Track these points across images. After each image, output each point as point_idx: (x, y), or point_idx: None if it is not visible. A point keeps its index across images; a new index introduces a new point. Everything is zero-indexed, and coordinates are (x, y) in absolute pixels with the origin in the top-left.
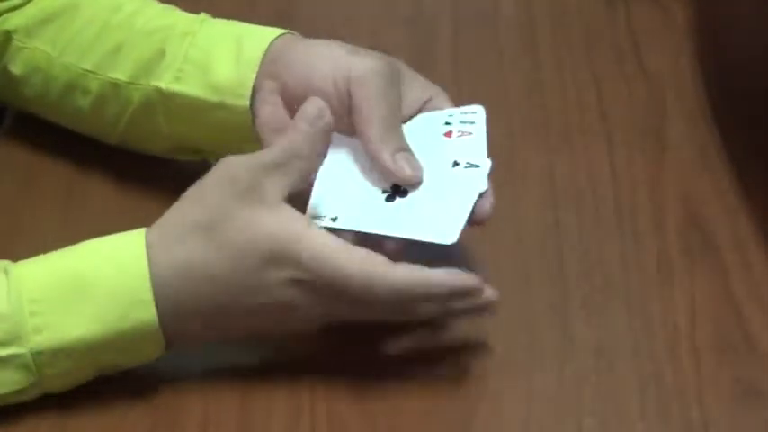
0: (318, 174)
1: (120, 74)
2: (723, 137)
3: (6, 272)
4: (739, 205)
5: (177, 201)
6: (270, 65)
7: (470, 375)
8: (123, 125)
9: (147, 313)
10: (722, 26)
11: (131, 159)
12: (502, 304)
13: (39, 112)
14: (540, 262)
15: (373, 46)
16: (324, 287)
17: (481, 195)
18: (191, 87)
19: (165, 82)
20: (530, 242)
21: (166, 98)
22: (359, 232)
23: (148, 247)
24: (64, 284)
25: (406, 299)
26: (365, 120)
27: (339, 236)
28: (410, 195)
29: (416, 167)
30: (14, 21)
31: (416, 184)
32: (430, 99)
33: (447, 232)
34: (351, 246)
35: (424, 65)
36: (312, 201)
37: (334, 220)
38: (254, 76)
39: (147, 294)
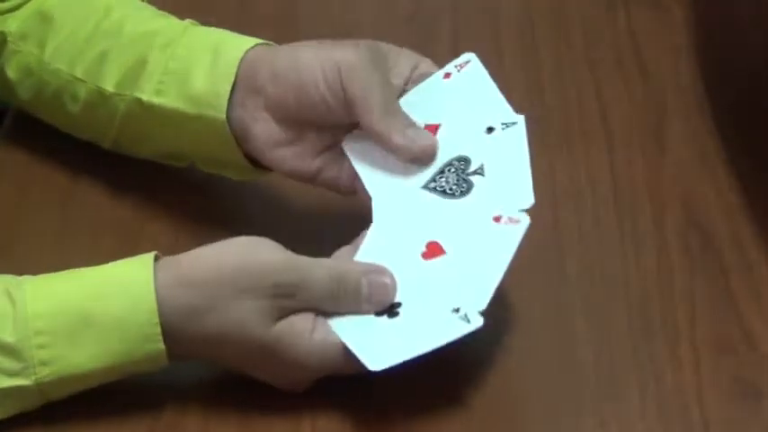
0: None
1: (105, 83)
2: (723, 137)
3: (12, 300)
4: (739, 205)
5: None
6: (250, 79)
7: (470, 375)
8: (114, 131)
9: (155, 345)
10: (722, 26)
11: (130, 162)
12: (502, 304)
13: (36, 114)
14: (540, 262)
15: None
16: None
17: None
18: (170, 100)
19: (147, 94)
20: (530, 242)
21: (148, 110)
22: None
23: (156, 279)
24: (71, 316)
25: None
26: (365, 109)
27: None
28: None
29: (428, 137)
30: (10, 23)
31: (432, 153)
32: (416, 66)
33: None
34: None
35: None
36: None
37: None
38: (228, 87)
39: (156, 329)
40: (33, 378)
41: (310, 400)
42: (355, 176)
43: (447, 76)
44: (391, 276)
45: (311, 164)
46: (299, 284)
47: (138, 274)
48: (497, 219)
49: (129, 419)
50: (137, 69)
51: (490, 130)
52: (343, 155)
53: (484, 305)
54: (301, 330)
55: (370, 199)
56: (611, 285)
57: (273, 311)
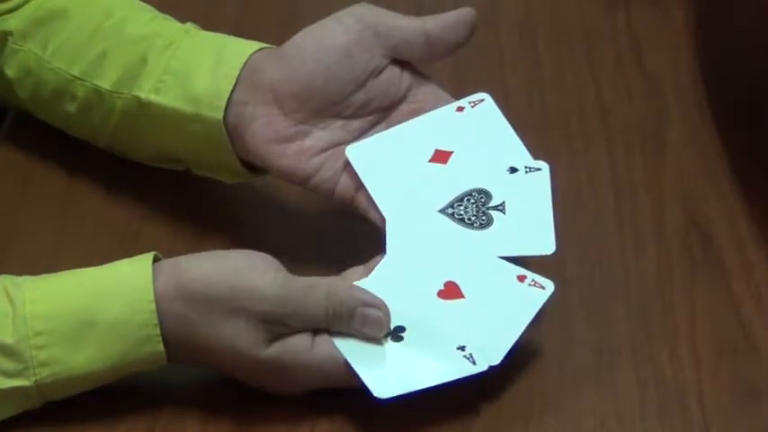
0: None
1: (103, 81)
2: (723, 137)
3: (11, 300)
4: (739, 205)
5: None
6: (254, 77)
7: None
8: (110, 131)
9: (154, 347)
10: (722, 26)
11: (129, 163)
12: None
13: (33, 113)
14: (540, 262)
15: None
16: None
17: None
18: (169, 98)
19: (145, 92)
20: None
21: (146, 108)
22: None
23: (155, 282)
24: (70, 317)
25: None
26: (407, 24)
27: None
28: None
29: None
30: (11, 23)
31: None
32: None
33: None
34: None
35: (425, 64)
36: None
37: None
38: (230, 87)
39: (156, 330)
40: (33, 379)
41: (310, 401)
42: (351, 186)
43: (460, 109)
44: (387, 312)
45: (308, 163)
46: (290, 315)
47: (137, 275)
48: (522, 278)
49: (128, 420)
50: (136, 68)
51: (513, 170)
52: (340, 160)
53: (498, 359)
54: (301, 350)
55: (371, 208)
56: (611, 285)
57: (266, 334)
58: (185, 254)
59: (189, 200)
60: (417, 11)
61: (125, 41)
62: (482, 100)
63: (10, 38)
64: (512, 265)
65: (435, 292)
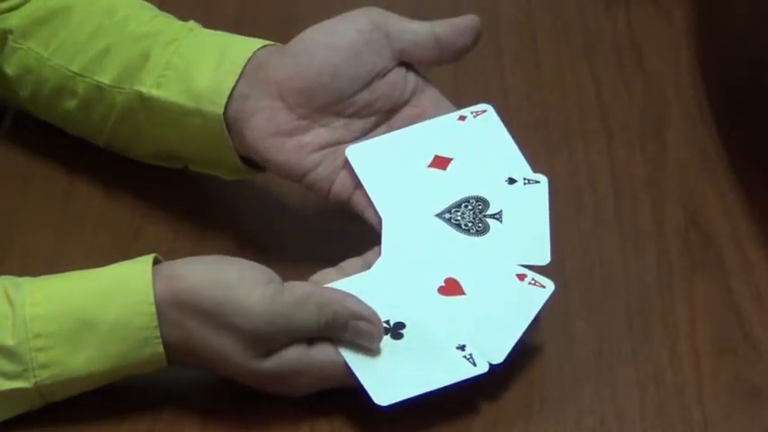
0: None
1: (104, 77)
2: (723, 137)
3: (11, 302)
4: (739, 205)
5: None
6: (258, 72)
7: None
8: (109, 128)
9: (154, 348)
10: (721, 27)
11: (129, 162)
12: None
13: (32, 111)
14: None
15: None
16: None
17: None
18: (170, 93)
19: (147, 87)
20: None
21: (147, 103)
22: None
23: (154, 285)
24: (70, 319)
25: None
26: (414, 27)
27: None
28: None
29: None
30: (11, 21)
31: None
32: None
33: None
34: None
35: (430, 68)
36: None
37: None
38: (232, 83)
39: (155, 332)
40: (33, 381)
41: (310, 402)
42: (348, 186)
43: (462, 118)
44: (379, 325)
45: (306, 159)
46: (279, 332)
47: (137, 277)
48: (522, 276)
49: (128, 421)
50: (138, 64)
51: (512, 181)
52: (339, 159)
53: (500, 359)
54: (297, 358)
55: (367, 208)
56: (611, 285)
57: (258, 350)
58: (186, 254)
59: (189, 199)
60: (417, 11)
61: (127, 39)
62: (484, 111)
63: (10, 36)
64: (511, 263)
65: (436, 289)
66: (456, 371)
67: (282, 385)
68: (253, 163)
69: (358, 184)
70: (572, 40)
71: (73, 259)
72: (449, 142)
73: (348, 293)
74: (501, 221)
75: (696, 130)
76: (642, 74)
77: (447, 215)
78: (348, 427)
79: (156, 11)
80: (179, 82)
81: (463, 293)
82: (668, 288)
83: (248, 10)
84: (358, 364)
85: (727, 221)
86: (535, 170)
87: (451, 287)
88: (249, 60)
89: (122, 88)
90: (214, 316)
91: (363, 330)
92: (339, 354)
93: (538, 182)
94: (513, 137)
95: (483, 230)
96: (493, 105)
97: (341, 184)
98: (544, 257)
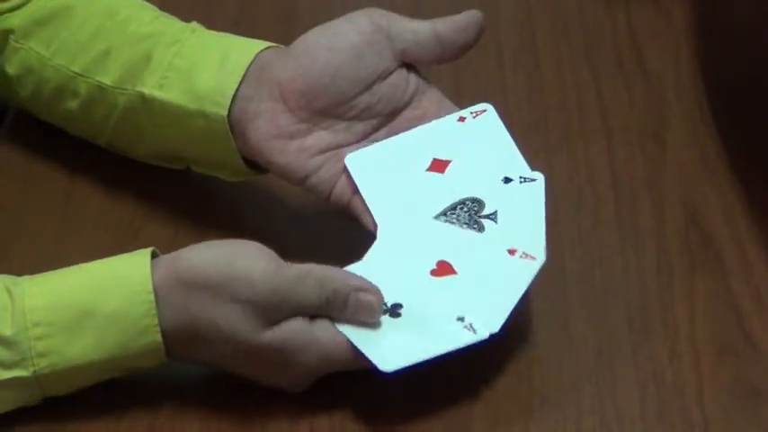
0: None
1: (106, 78)
2: (723, 137)
3: (11, 294)
4: (739, 205)
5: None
6: (262, 74)
7: (469, 375)
8: (110, 128)
9: (152, 337)
10: (721, 27)
11: (129, 161)
12: None
13: (32, 111)
14: None
15: None
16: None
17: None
18: (173, 94)
19: (149, 88)
20: None
21: (149, 104)
22: None
23: (153, 274)
24: (68, 308)
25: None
26: (418, 27)
27: None
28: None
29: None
30: (13, 21)
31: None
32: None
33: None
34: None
35: (431, 67)
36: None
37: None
38: (235, 84)
39: (153, 320)
40: (32, 370)
41: (310, 398)
42: (349, 190)
43: (462, 119)
44: (379, 297)
45: (308, 162)
46: (283, 303)
47: (135, 268)
48: (512, 251)
49: (128, 417)
50: (140, 65)
51: (507, 180)
52: (340, 163)
53: (497, 327)
54: (299, 331)
55: (365, 213)
56: (611, 285)
57: (262, 320)
58: None
59: (190, 199)
60: (416, 11)
61: (129, 39)
62: (484, 110)
63: (11, 36)
64: (501, 240)
65: (428, 271)
66: (458, 338)
67: (283, 367)
68: (255, 165)
69: (357, 189)
70: (572, 39)
71: (73, 259)
72: (447, 145)
73: (348, 272)
74: (496, 222)
75: (696, 130)
76: (642, 74)
77: (443, 218)
78: (348, 423)
79: (157, 11)
80: (181, 83)
81: (455, 273)
82: (668, 288)
83: (248, 10)
84: (359, 337)
85: (727, 221)
86: (534, 170)
87: (443, 268)
88: (252, 62)
89: (124, 89)
90: (220, 289)
91: (363, 302)
92: (339, 333)
93: (534, 180)
94: (513, 136)
95: (478, 231)
96: (493, 105)
97: (341, 188)
98: (539, 255)
